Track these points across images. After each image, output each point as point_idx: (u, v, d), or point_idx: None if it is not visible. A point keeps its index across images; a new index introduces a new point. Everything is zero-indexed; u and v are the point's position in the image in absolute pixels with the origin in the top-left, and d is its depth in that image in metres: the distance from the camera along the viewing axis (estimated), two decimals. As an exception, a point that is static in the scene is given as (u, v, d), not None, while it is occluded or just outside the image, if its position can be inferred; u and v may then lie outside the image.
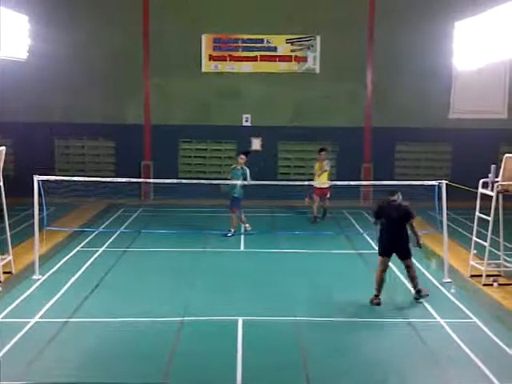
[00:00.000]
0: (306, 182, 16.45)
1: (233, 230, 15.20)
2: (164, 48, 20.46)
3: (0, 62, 13.34)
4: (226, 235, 15.04)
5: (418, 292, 10.39)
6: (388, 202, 10.28)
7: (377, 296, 10.20)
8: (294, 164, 20.75)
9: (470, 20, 12.81)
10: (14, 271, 11.74)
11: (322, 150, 17.07)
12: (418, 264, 11.62)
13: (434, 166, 21.09)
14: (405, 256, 10.25)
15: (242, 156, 15.28)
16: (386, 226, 10.19)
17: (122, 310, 9.80)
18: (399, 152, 21.21)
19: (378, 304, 10.13)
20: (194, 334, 8.92)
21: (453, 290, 10.91)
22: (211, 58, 20.65)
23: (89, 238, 14.58)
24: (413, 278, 10.37)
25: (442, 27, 17.87)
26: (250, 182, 14.63)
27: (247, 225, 15.47)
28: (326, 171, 16.82)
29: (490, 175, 11.30)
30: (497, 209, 11.26)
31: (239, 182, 14.59)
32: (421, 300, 10.32)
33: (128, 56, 20.54)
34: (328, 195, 16.83)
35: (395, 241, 10.15)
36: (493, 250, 11.69)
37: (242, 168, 15.14)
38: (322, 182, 16.43)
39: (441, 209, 11.38)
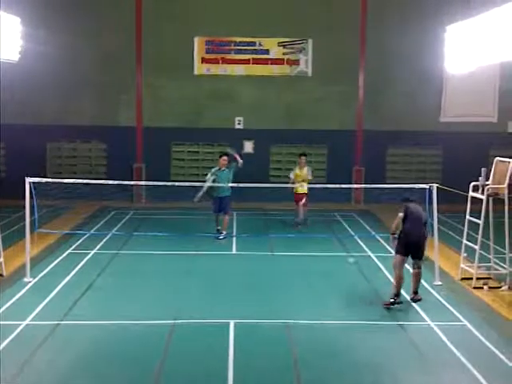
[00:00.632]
0: (297, 184, 16.49)
1: (225, 233, 15.21)
2: (157, 50, 20.44)
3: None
4: (217, 238, 15.04)
5: (416, 293, 10.53)
6: (411, 201, 10.59)
7: (398, 296, 10.25)
8: (286, 167, 20.74)
9: (462, 24, 12.88)
10: (4, 274, 11.70)
11: (302, 154, 16.74)
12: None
13: (425, 169, 21.18)
14: (421, 257, 10.44)
15: (225, 157, 15.35)
16: (412, 226, 10.29)
17: (113, 313, 9.79)
18: (391, 155, 21.31)
19: (400, 303, 10.20)
20: (185, 336, 8.92)
21: (443, 293, 10.98)
22: (204, 60, 20.66)
23: (80, 241, 14.53)
24: (418, 279, 10.55)
25: (433, 31, 17.91)
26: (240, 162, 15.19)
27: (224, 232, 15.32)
28: (308, 179, 16.40)
29: (480, 178, 11.38)
30: (487, 212, 11.34)
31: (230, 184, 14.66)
32: (414, 301, 10.44)
33: (120, 58, 20.52)
34: (305, 201, 16.37)
35: (419, 240, 10.32)
36: (483, 253, 11.77)
37: (227, 168, 15.20)
38: (302, 187, 16.12)
39: (431, 212, 11.43)
